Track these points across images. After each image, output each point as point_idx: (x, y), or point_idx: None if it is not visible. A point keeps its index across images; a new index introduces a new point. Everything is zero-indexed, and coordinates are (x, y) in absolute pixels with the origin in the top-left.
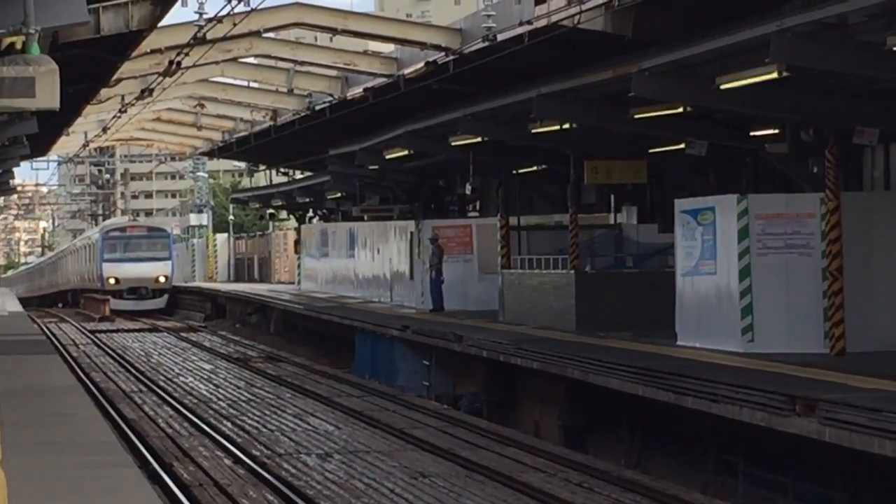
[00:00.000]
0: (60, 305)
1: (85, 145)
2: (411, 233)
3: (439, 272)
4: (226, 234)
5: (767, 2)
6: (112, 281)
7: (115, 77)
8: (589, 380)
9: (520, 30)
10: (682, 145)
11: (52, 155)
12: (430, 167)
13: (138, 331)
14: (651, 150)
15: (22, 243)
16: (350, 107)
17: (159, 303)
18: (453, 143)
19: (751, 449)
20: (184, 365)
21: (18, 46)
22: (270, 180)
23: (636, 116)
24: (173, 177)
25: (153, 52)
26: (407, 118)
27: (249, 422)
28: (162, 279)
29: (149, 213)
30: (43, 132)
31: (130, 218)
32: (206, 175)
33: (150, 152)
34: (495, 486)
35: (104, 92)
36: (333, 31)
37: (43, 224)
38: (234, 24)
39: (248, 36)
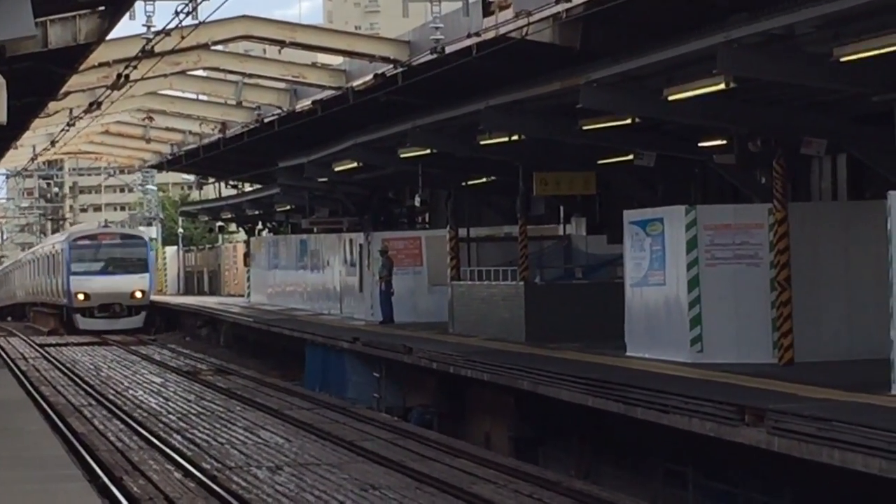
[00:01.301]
0: (9, 319)
1: (33, 159)
2: (360, 245)
3: (389, 284)
4: (175, 247)
5: (714, 13)
6: (81, 297)
7: (63, 90)
8: (539, 391)
9: (468, 42)
10: (631, 156)
11: (0, 168)
12: (380, 179)
13: (88, 344)
14: (600, 162)
15: None
16: (299, 119)
17: (136, 321)
18: (402, 156)
19: (700, 459)
20: (133, 378)
21: None
22: (220, 193)
23: (585, 128)
24: (122, 190)
25: (101, 65)
26: (356, 130)
27: (199, 435)
28: (139, 294)
29: None
30: None
31: (101, 223)
32: (154, 188)
33: (99, 165)
34: (445, 498)
35: (52, 105)
36: (282, 43)
37: None
38: (183, 37)
39: (197, 49)
